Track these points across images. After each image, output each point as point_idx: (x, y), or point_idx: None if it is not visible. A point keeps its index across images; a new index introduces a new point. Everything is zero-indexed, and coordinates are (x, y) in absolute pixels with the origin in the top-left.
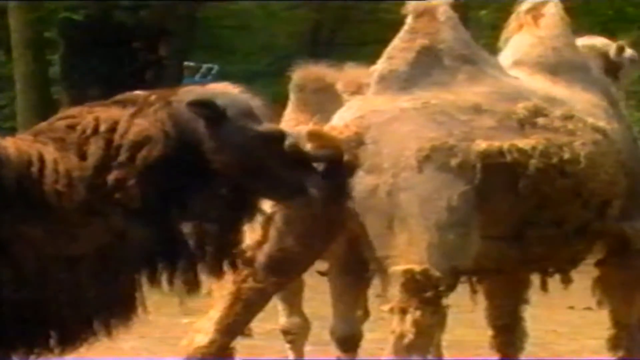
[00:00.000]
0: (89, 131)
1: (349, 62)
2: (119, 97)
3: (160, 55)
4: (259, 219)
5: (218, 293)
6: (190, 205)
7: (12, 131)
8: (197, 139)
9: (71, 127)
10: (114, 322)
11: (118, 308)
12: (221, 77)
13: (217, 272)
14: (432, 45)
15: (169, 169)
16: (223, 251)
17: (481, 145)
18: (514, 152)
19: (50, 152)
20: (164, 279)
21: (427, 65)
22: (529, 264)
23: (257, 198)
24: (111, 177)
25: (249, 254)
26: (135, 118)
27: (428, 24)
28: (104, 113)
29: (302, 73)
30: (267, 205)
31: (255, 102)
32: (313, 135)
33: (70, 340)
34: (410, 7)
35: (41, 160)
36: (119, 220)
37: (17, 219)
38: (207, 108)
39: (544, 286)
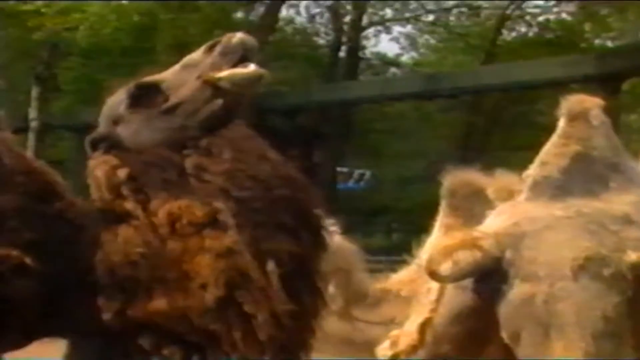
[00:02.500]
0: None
1: (500, 167)
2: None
3: (314, 162)
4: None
5: None
6: None
7: None
8: None
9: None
10: None
11: None
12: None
13: None
14: (585, 152)
15: None
16: None
17: (631, 256)
18: None
19: None
20: None
21: (580, 172)
22: None
23: None
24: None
25: (402, 358)
26: None
27: (582, 129)
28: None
29: (453, 178)
30: (424, 311)
31: None
32: (446, 253)
33: None
34: (564, 109)
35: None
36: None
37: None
38: None
39: None
